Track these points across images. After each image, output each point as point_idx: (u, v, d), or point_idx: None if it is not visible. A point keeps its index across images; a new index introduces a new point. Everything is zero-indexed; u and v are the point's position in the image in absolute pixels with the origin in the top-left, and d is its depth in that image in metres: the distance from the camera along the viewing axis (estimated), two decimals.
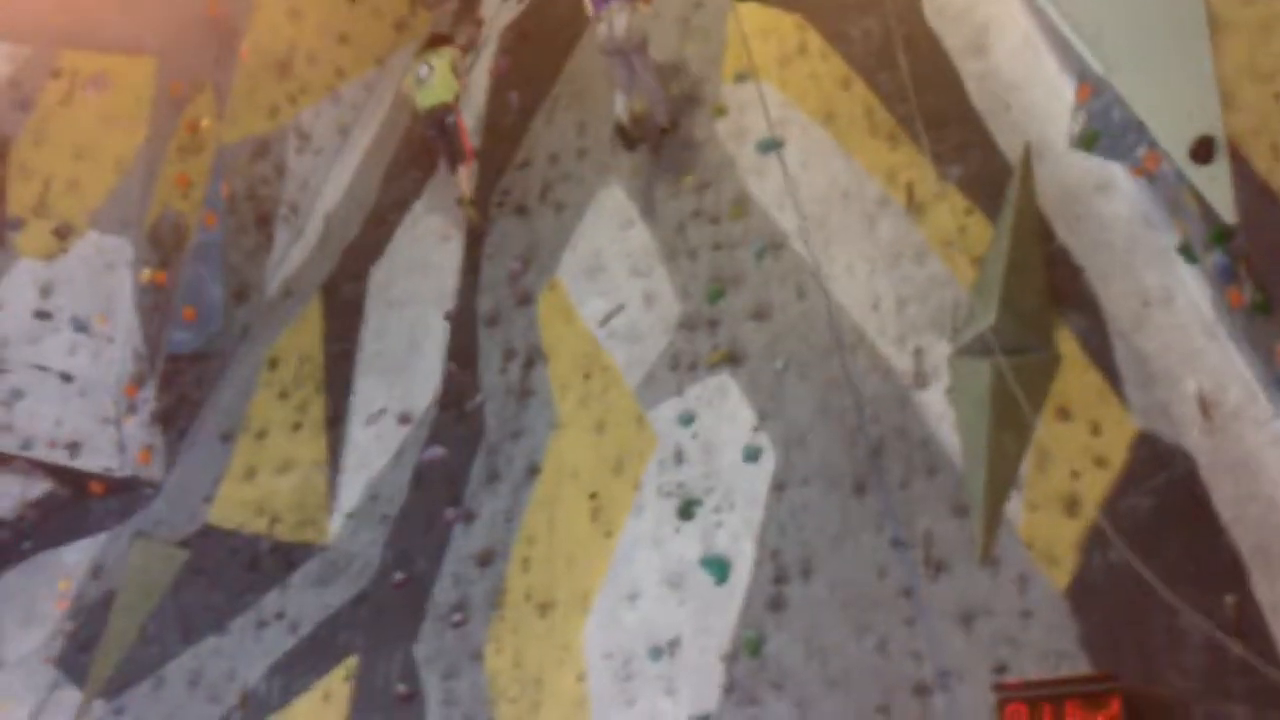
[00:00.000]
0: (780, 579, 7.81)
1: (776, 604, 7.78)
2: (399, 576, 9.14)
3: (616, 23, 9.28)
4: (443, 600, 8.94)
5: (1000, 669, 6.92)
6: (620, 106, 9.61)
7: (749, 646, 7.75)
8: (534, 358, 9.51)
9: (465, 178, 10.42)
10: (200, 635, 9.60)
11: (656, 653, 7.99)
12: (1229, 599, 6.44)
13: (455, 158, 10.49)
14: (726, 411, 8.45)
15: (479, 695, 8.53)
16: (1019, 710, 6.61)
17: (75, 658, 9.90)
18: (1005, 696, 6.69)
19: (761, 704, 7.60)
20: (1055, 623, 6.88)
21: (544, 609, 8.59)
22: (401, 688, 8.73)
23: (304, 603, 9.39)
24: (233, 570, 9.76)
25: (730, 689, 7.72)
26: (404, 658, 8.86)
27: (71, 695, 9.66)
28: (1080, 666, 6.71)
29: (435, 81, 10.48)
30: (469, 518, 9.15)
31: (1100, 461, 7.02)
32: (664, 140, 9.64)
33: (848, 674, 7.40)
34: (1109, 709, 6.41)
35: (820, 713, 7.41)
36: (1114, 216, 7.48)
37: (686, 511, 8.29)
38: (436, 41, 10.99)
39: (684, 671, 7.89)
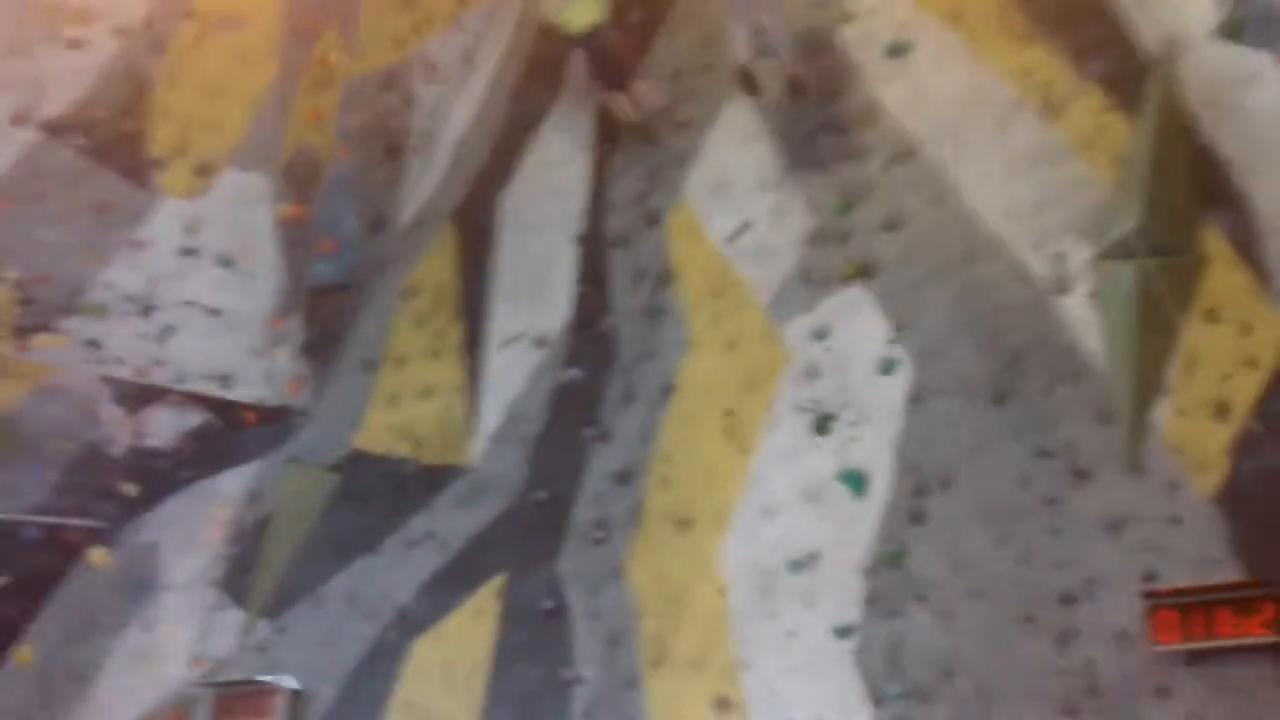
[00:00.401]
0: (920, 492, 7.78)
1: (917, 517, 7.76)
2: (540, 495, 9.32)
3: None
4: (583, 518, 9.11)
5: (1149, 577, 6.82)
6: (742, 44, 9.22)
7: (889, 559, 7.76)
8: (664, 277, 9.53)
9: (639, 94, 9.95)
10: (353, 556, 9.95)
11: (796, 566, 8.05)
12: None
13: (620, 76, 10.00)
14: (860, 325, 8.38)
15: (623, 609, 8.69)
16: (1170, 618, 6.55)
17: (235, 580, 10.34)
18: (1155, 604, 6.63)
19: (904, 615, 7.62)
20: (1205, 529, 6.75)
21: (683, 525, 8.70)
22: (548, 603, 8.95)
23: (451, 523, 9.66)
24: (381, 493, 10.06)
25: (872, 601, 7.74)
26: (548, 574, 9.07)
27: (234, 616, 10.10)
28: (1231, 573, 6.59)
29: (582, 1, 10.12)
30: (606, 438, 9.27)
31: (1250, 362, 6.83)
32: (793, 95, 9.19)
33: (990, 585, 7.37)
34: (1262, 614, 6.31)
35: (963, 623, 7.41)
36: (1261, 108, 7.19)
37: (823, 426, 8.29)
38: None
39: (824, 585, 7.94)
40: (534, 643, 8.96)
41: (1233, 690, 6.48)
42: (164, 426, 11.23)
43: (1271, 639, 6.30)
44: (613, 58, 10.02)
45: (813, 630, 7.86)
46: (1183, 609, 6.50)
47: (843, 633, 7.73)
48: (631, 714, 8.40)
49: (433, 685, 9.23)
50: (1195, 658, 6.57)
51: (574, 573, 9.00)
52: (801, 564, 8.04)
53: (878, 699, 7.52)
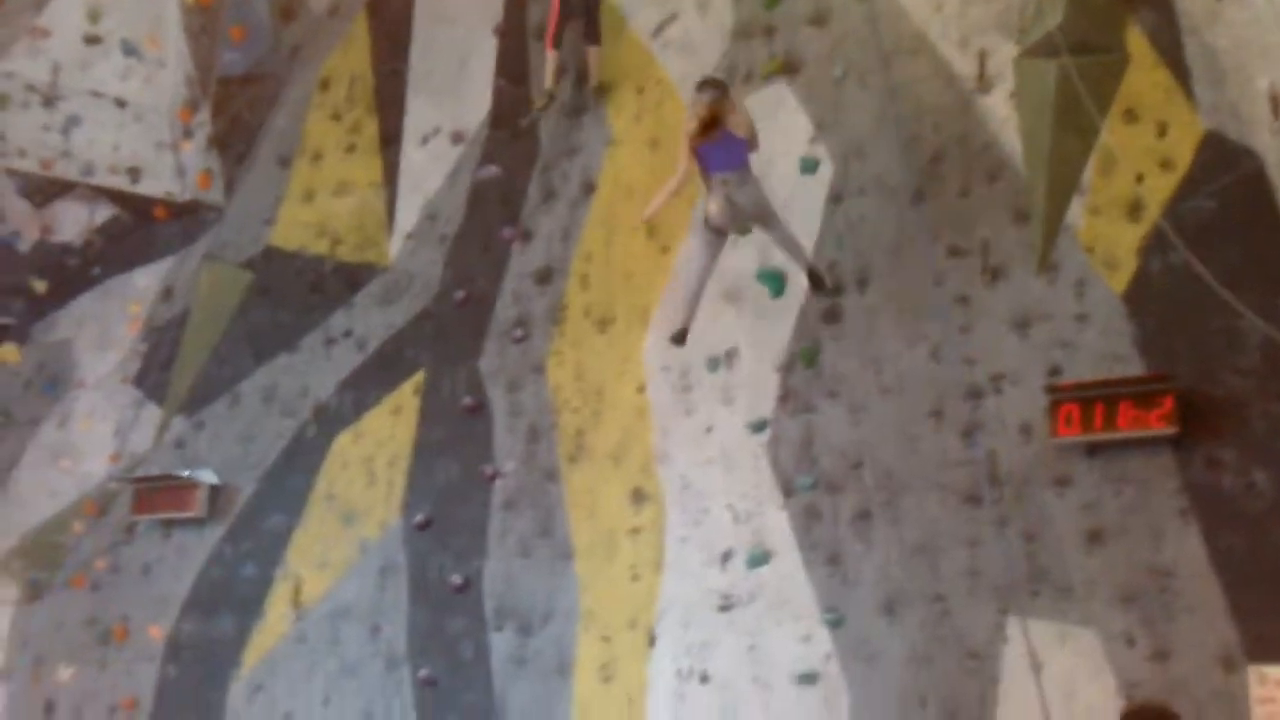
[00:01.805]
0: (836, 290, 7.85)
1: (832, 315, 7.85)
2: (460, 295, 9.28)
3: (739, 196, 7.18)
4: (504, 317, 9.11)
5: (1055, 372, 6.99)
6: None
7: (805, 356, 7.87)
8: (586, 73, 9.33)
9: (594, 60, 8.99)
10: (271, 354, 9.91)
11: (714, 364, 8.14)
12: None
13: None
14: (783, 123, 8.30)
15: (543, 406, 8.79)
16: (1071, 410, 6.73)
17: (151, 377, 10.28)
18: (1058, 397, 6.81)
19: (816, 411, 7.78)
20: (1112, 326, 6.90)
21: (603, 324, 8.74)
22: (468, 400, 9.02)
23: (369, 321, 9.62)
24: (298, 291, 9.97)
25: (786, 397, 7.89)
26: (469, 372, 9.11)
27: (152, 412, 10.07)
28: (1135, 370, 6.77)
29: None
30: (526, 236, 9.21)
31: (1166, 164, 6.89)
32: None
33: (901, 381, 7.53)
34: (1161, 408, 6.51)
35: (873, 418, 7.58)
36: None
37: (743, 226, 8.27)
38: None
39: (741, 382, 8.06)
40: (454, 438, 9.06)
41: (1129, 481, 6.73)
42: (72, 221, 10.98)
43: (1169, 431, 6.52)
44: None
45: (729, 425, 8.02)
46: (1084, 402, 6.68)
47: (757, 427, 7.88)
48: (550, 506, 8.58)
49: (353, 479, 9.33)
50: (1095, 449, 6.79)
51: (495, 370, 9.05)
52: (719, 361, 8.14)
53: (789, 490, 7.74)
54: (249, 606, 9.42)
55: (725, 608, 7.78)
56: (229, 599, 9.54)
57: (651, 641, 7.99)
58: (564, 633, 8.29)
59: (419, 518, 8.95)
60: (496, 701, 8.36)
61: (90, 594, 10.05)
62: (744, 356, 8.08)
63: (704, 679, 7.74)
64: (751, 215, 7.31)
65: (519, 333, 9.01)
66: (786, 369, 7.92)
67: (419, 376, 9.32)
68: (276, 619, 9.31)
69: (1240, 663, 6.27)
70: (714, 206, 7.22)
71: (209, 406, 10.01)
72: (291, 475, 9.56)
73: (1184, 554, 6.50)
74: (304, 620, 9.21)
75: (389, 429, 9.31)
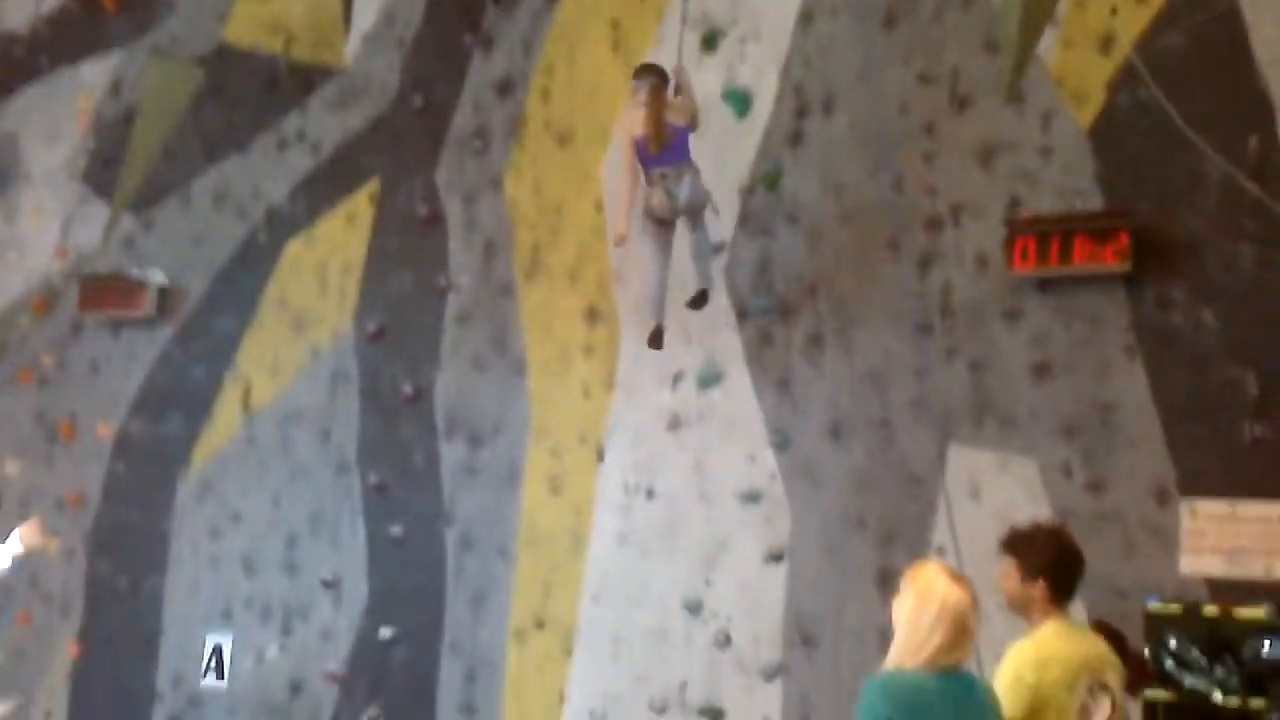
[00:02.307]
0: (801, 114, 7.75)
1: (796, 139, 7.76)
2: (418, 101, 9.08)
3: (679, 188, 7.00)
4: (462, 127, 8.93)
5: (1015, 204, 6.99)
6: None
7: (766, 181, 7.81)
8: None
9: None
10: (222, 154, 9.69)
11: None
12: (1253, 140, 6.40)
13: None
14: None
15: (499, 220, 8.70)
16: (1028, 244, 6.75)
17: (101, 174, 10.04)
18: (1015, 230, 6.83)
19: (774, 236, 7.76)
20: (1075, 161, 6.87)
21: (563, 139, 8.60)
22: (424, 210, 8.91)
23: (324, 125, 9.40)
24: (251, 90, 9.69)
25: (745, 220, 7.85)
26: (425, 182, 8.97)
27: (100, 210, 9.86)
28: (1096, 205, 6.78)
29: None
30: (487, 45, 8.97)
31: None
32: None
33: (861, 209, 7.50)
34: (1118, 244, 6.54)
35: (831, 244, 7.58)
36: None
37: (710, 42, 8.11)
38: None
39: None
40: (408, 248, 8.98)
41: (1080, 316, 6.79)
42: (17, 8, 10.58)
43: (1123, 268, 6.56)
44: None
45: (686, 244, 7.96)
46: (1041, 236, 6.70)
47: (715, 250, 7.86)
48: (504, 321, 8.57)
49: (305, 285, 9.25)
50: (1048, 284, 6.84)
51: (452, 181, 8.92)
52: None
53: (743, 313, 7.76)
54: (198, 408, 9.43)
55: (674, 427, 7.87)
56: (178, 399, 9.53)
57: (600, 457, 8.10)
58: (514, 445, 8.38)
59: (371, 327, 8.93)
60: (446, 508, 8.49)
61: (37, 390, 9.99)
62: (705, 178, 7.97)
63: (650, 494, 7.88)
64: (684, 209, 7.11)
65: (477, 144, 8.85)
66: (747, 192, 7.86)
67: (374, 184, 9.17)
68: (226, 421, 9.33)
69: (1173, 496, 6.44)
70: (655, 201, 7.06)
71: (159, 206, 9.82)
72: (242, 278, 9.46)
73: (1128, 390, 6.62)
74: (254, 423, 9.24)
75: (342, 236, 9.20)
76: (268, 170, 9.52)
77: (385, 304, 8.95)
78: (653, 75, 7.06)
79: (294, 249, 9.35)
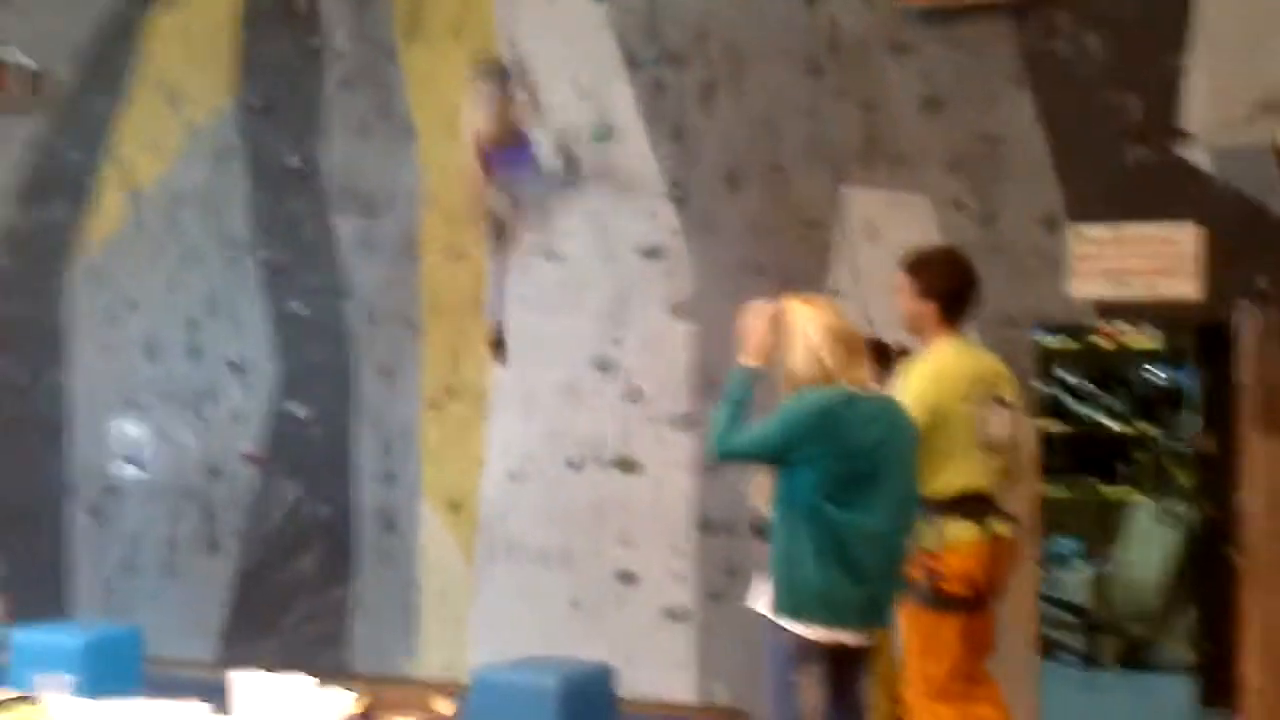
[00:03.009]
0: None
1: None
2: None
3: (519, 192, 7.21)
4: None
5: None
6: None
7: None
8: None
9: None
10: None
11: None
12: None
13: None
14: None
15: None
16: None
17: None
18: None
19: None
20: None
21: None
22: None
23: None
24: None
25: None
26: None
27: None
28: None
29: None
30: None
31: None
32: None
33: None
34: None
35: None
36: None
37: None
38: None
39: None
40: (279, 12, 8.59)
41: (967, 48, 6.75)
42: None
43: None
44: None
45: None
46: None
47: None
48: (388, 84, 8.32)
49: (174, 57, 8.83)
50: (935, 15, 6.76)
51: None
52: None
53: (634, 63, 7.60)
54: (80, 194, 9.11)
55: (570, 184, 7.78)
56: (59, 187, 9.19)
57: None
58: (408, 214, 8.26)
59: (250, 98, 8.61)
60: (342, 282, 8.41)
61: None
62: None
63: (550, 255, 7.85)
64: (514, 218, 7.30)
65: None
66: None
67: None
68: (111, 206, 9.04)
69: (1061, 222, 6.57)
70: (498, 205, 7.21)
71: None
72: (111, 56, 9.02)
73: (1015, 120, 6.65)
74: (141, 207, 8.98)
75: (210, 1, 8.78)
76: None
77: (261, 72, 8.62)
78: (497, 75, 7.15)
79: (160, 20, 8.90)
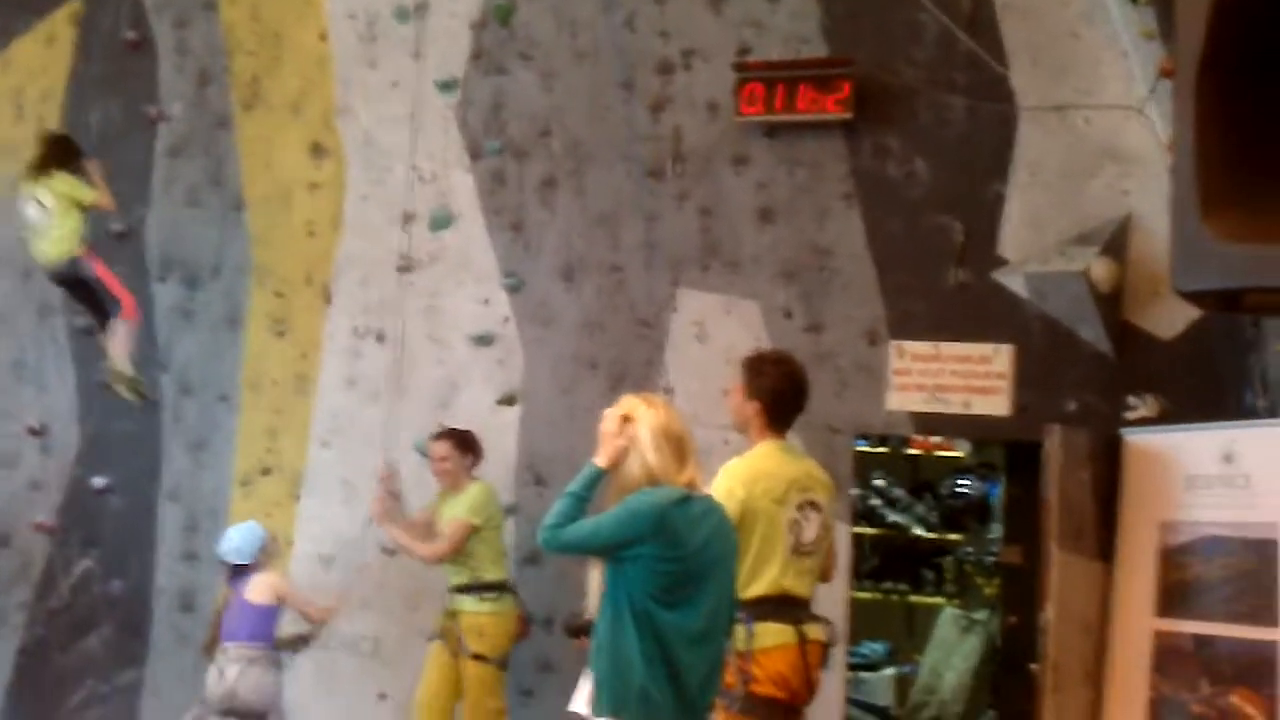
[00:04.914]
0: None
1: None
2: None
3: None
4: None
5: (744, 51, 7.05)
6: None
7: (499, 14, 7.62)
8: None
9: (122, 339, 7.44)
10: None
11: (403, 14, 7.76)
12: None
13: (103, 312, 7.53)
14: None
15: (214, 47, 8.22)
16: (755, 89, 6.86)
17: None
18: (744, 76, 6.91)
19: (509, 73, 7.61)
20: (801, 8, 6.97)
21: None
22: (130, 35, 8.31)
23: None
24: None
25: (477, 56, 7.66)
26: (131, 4, 8.36)
27: None
28: (821, 53, 6.91)
29: (54, 229, 7.25)
30: None
31: None
32: None
33: (596, 48, 7.43)
34: (840, 93, 6.72)
35: (564, 85, 7.49)
36: None
37: None
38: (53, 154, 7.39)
39: (431, 36, 7.74)
40: (114, 75, 8.39)
41: (802, 163, 6.98)
42: None
43: (843, 116, 6.74)
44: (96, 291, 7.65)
45: (416, 81, 7.73)
46: (768, 82, 6.80)
47: (447, 86, 7.66)
48: (221, 155, 8.17)
49: (0, 114, 8.54)
50: (774, 130, 6.98)
51: (159, 4, 8.33)
52: (408, 12, 7.76)
53: (475, 153, 7.63)
54: None
55: (405, 268, 7.72)
56: None
57: (327, 299, 7.90)
58: (234, 285, 8.07)
59: None
60: (161, 353, 8.13)
61: None
62: (434, 9, 7.73)
63: (380, 337, 7.76)
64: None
65: None
66: (479, 26, 7.66)
67: (74, 3, 8.47)
68: None
69: (884, 337, 6.79)
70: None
71: None
72: None
73: (844, 235, 6.88)
74: None
75: (40, 60, 8.50)
76: None
77: (91, 134, 8.35)
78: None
79: None
